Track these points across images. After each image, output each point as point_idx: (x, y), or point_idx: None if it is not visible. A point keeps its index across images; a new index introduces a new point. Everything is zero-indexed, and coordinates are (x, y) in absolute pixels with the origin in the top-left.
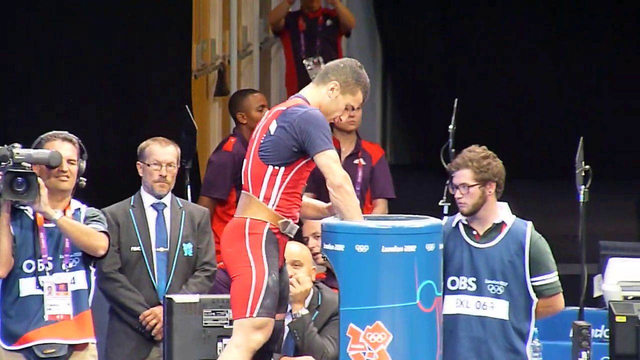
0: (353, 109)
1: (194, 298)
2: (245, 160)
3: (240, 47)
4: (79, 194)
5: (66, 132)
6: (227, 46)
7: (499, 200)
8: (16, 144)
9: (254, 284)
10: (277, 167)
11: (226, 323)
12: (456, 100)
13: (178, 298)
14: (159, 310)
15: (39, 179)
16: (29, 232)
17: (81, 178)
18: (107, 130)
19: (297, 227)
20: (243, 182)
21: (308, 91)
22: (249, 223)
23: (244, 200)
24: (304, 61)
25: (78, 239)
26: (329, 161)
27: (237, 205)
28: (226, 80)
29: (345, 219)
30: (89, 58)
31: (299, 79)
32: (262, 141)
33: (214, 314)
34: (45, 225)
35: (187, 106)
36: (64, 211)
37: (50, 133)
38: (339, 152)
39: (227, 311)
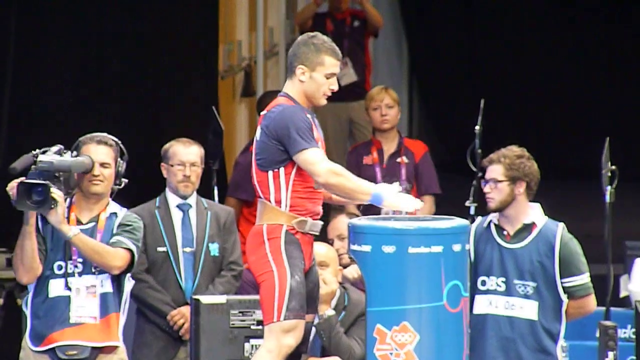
0: (332, 75)
1: (221, 299)
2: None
3: (267, 48)
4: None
5: (103, 135)
6: (253, 47)
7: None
8: (52, 148)
9: (277, 288)
10: (276, 170)
11: (253, 323)
12: (482, 100)
13: (205, 299)
14: (186, 310)
15: (54, 190)
16: (60, 234)
17: (122, 179)
18: (134, 132)
19: (320, 222)
20: (255, 191)
21: (287, 87)
22: (267, 228)
23: (259, 207)
24: None
25: (90, 257)
26: (305, 163)
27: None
28: (252, 81)
29: (356, 200)
30: (116, 59)
31: None
32: (254, 148)
33: (240, 314)
34: (81, 227)
35: (213, 107)
36: (99, 215)
37: (87, 136)
38: (382, 152)
39: (254, 312)
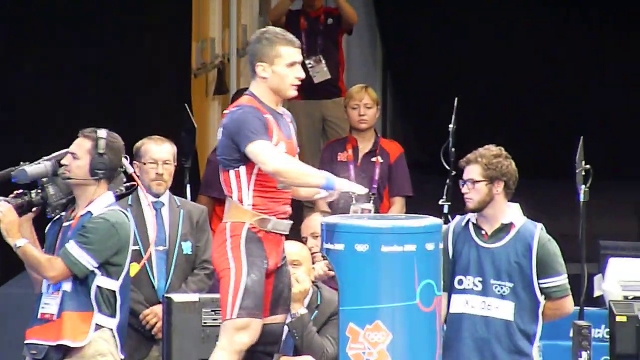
0: (294, 64)
1: (194, 297)
2: None
3: (240, 46)
4: None
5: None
6: (226, 45)
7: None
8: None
9: (232, 285)
10: (236, 169)
11: None
12: (456, 99)
13: (177, 297)
14: (158, 309)
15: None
16: (56, 233)
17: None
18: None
19: (286, 222)
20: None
21: (252, 86)
22: (230, 226)
23: (226, 205)
24: (305, 60)
25: (30, 269)
26: (253, 154)
27: None
28: (226, 79)
29: (310, 184)
30: (87, 56)
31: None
32: (217, 147)
33: (213, 313)
34: (64, 223)
35: (186, 105)
36: (78, 212)
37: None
38: (357, 149)
39: None
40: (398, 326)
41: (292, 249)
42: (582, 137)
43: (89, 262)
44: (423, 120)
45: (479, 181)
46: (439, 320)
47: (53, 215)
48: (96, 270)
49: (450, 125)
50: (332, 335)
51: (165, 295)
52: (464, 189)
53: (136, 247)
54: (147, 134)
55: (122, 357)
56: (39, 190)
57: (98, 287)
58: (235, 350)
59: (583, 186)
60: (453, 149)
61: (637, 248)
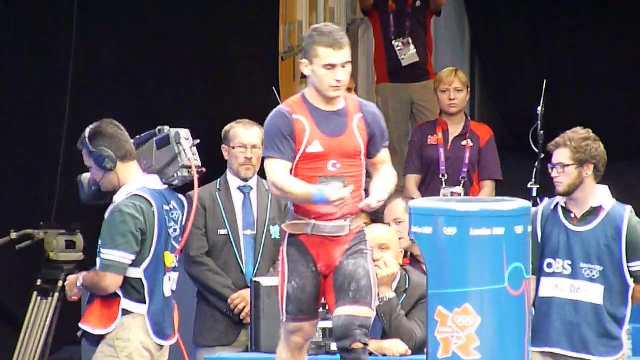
0: (333, 66)
1: None
2: None
3: None
4: None
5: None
6: None
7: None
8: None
9: (279, 290)
10: None
11: None
12: (545, 81)
13: (265, 281)
14: (247, 293)
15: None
16: None
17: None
18: (197, 115)
19: (329, 224)
20: None
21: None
22: (282, 235)
23: None
24: (394, 42)
25: (94, 291)
26: (265, 169)
27: None
28: None
29: (294, 201)
30: (177, 40)
31: (387, 60)
32: None
33: None
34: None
35: (274, 88)
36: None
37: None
38: (447, 133)
39: None
40: (487, 310)
41: (380, 232)
42: None
43: (123, 257)
44: (511, 103)
45: (568, 165)
46: (527, 303)
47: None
48: None
49: (539, 108)
50: (421, 319)
51: (253, 279)
52: (553, 173)
53: (224, 232)
54: (236, 118)
55: (161, 342)
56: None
57: None
58: (292, 348)
59: None
60: (542, 132)
61: None
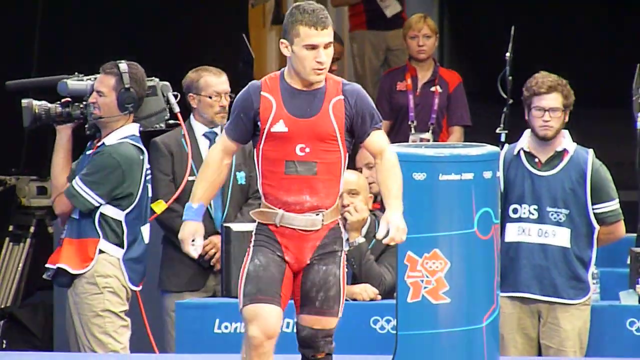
0: (315, 47)
1: (252, 226)
2: None
3: None
4: None
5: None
6: None
7: None
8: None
9: (240, 278)
10: (253, 150)
11: None
12: (513, 27)
13: (236, 227)
14: (217, 239)
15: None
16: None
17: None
18: (165, 61)
19: (299, 217)
20: None
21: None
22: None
23: None
24: None
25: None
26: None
27: None
28: (283, 8)
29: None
30: None
31: (367, 10)
32: None
33: None
34: (87, 152)
35: (244, 35)
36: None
37: None
38: (416, 79)
39: None
40: (456, 254)
41: (350, 177)
42: (639, 65)
43: (92, 197)
44: (480, 49)
45: (560, 109)
46: (496, 248)
47: (89, 132)
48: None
49: (507, 54)
50: (391, 264)
51: (224, 224)
52: (545, 117)
53: (192, 178)
54: (205, 64)
55: (134, 288)
56: (81, 106)
57: (102, 214)
58: (251, 345)
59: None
60: (510, 78)
61: None
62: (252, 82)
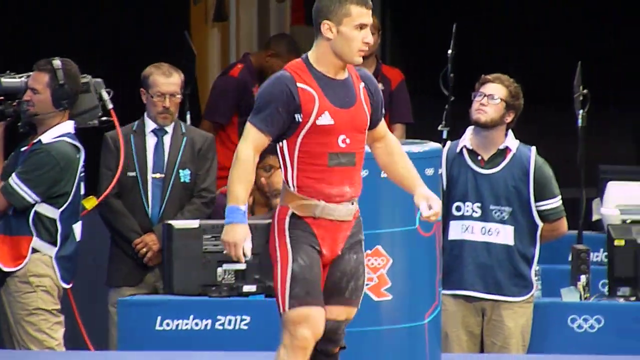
0: (364, 26)
1: (194, 223)
2: None
3: None
4: None
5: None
6: None
7: None
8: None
9: (279, 275)
10: (280, 144)
11: None
12: (455, 24)
13: (177, 223)
14: (149, 238)
15: None
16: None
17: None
18: (107, 57)
19: (339, 207)
20: None
21: (312, 49)
22: (278, 210)
23: (282, 185)
24: None
25: None
26: (244, 131)
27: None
28: (225, 5)
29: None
30: None
31: (306, 3)
32: None
33: (213, 239)
34: (21, 148)
35: (186, 32)
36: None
37: None
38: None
39: None
40: (398, 251)
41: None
42: (580, 62)
43: (29, 195)
44: (422, 47)
45: (500, 99)
46: (438, 245)
47: (22, 130)
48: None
49: (449, 51)
50: None
51: (166, 221)
52: (482, 101)
53: (133, 174)
54: (147, 61)
55: (65, 286)
56: (14, 104)
57: (36, 212)
58: (299, 347)
59: (581, 111)
60: (452, 75)
61: (636, 172)
62: (281, 73)
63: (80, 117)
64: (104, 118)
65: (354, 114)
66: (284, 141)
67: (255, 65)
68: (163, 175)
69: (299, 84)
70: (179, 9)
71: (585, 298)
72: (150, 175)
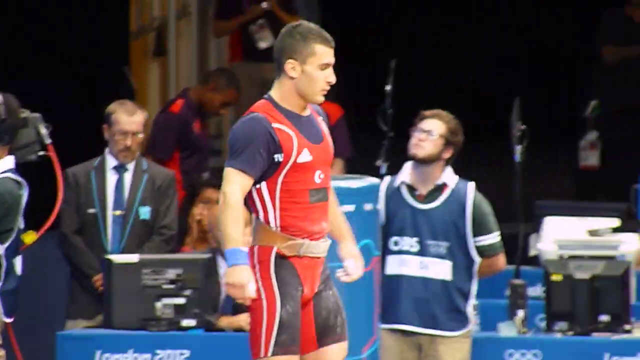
0: (327, 66)
1: (133, 258)
2: None
3: (179, 7)
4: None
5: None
6: (165, 6)
7: None
8: None
9: (265, 319)
10: (257, 186)
11: (164, 282)
12: (393, 60)
13: (117, 258)
14: None
15: None
16: None
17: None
18: (48, 91)
19: (322, 243)
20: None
21: (274, 88)
22: (257, 251)
23: (253, 224)
24: (250, 25)
25: None
26: (224, 176)
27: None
28: (164, 40)
29: (221, 236)
30: (25, 20)
31: (243, 41)
32: None
33: (153, 273)
34: None
35: (125, 67)
36: None
37: None
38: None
39: (166, 270)
40: (336, 285)
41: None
42: (517, 98)
43: None
44: (357, 82)
45: (438, 135)
46: (376, 280)
47: None
48: None
49: (388, 87)
50: None
51: (106, 256)
52: (420, 136)
53: (94, 211)
54: (86, 97)
55: (7, 320)
56: None
57: None
58: None
59: (519, 146)
60: (390, 111)
61: (573, 207)
62: (253, 115)
63: (20, 152)
64: (41, 153)
65: (324, 149)
66: (263, 182)
67: (195, 99)
68: (123, 212)
69: (274, 124)
70: (118, 43)
71: (523, 332)
72: (110, 212)
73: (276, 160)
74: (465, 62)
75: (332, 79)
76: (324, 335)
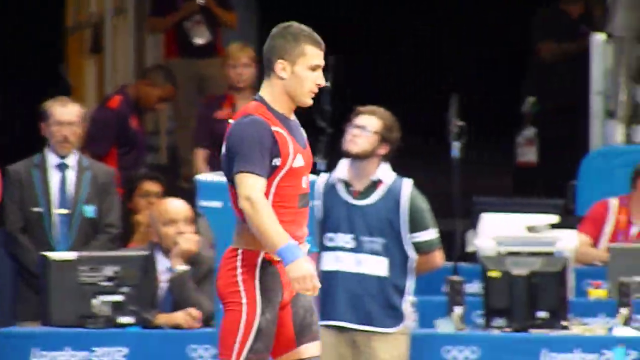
0: (317, 67)
1: (70, 255)
2: None
3: (116, 4)
4: None
5: None
6: (102, 3)
7: None
8: None
9: (243, 324)
10: None
11: (102, 280)
12: (331, 57)
13: (53, 255)
14: None
15: None
16: None
17: None
18: None
19: (303, 248)
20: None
21: (264, 88)
22: (242, 254)
23: (237, 227)
24: (184, 22)
25: None
26: (239, 183)
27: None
28: (101, 37)
29: (262, 237)
30: None
31: (178, 38)
32: (221, 162)
33: (90, 270)
34: None
35: (61, 64)
36: None
37: None
38: (236, 107)
39: (103, 268)
40: None
41: (182, 207)
42: (455, 94)
43: None
44: None
45: (373, 132)
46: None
47: None
48: None
49: (326, 83)
50: (209, 292)
51: (41, 253)
52: (354, 132)
53: (39, 209)
54: (21, 94)
55: None
56: None
57: None
58: None
59: (457, 143)
60: (329, 108)
61: (510, 204)
62: (253, 118)
63: None
64: None
65: (309, 153)
66: None
67: (133, 96)
68: (69, 211)
69: (273, 128)
70: (55, 40)
71: (461, 329)
72: (55, 211)
73: (273, 164)
74: (405, 57)
75: (322, 81)
76: (302, 334)
